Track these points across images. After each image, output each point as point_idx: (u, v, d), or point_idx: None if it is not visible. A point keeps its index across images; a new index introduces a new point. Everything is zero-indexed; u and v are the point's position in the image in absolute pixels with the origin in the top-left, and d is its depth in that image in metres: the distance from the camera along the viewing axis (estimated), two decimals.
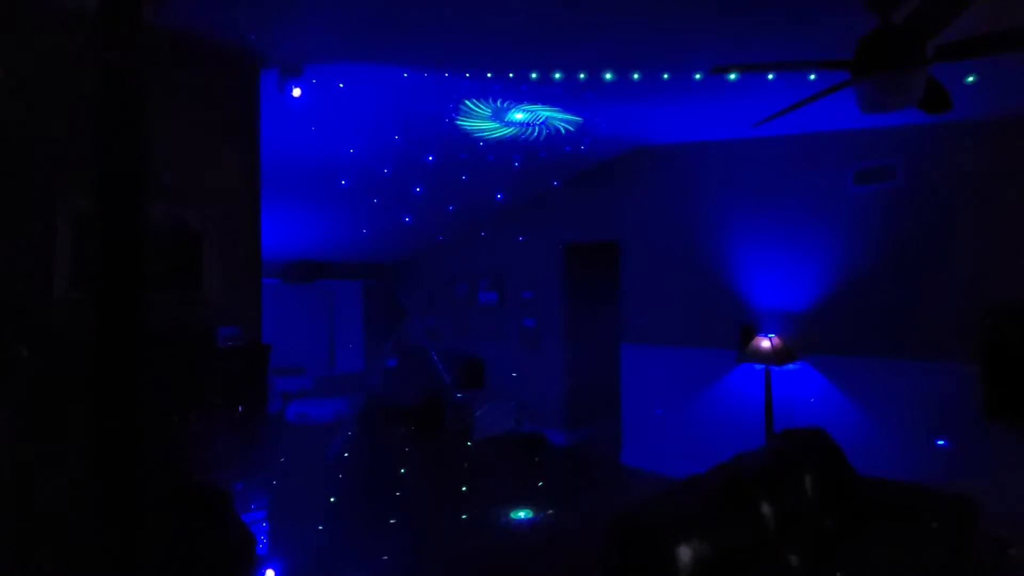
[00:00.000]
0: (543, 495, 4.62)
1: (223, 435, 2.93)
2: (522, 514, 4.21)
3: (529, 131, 4.64)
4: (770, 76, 2.99)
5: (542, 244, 6.51)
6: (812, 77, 2.89)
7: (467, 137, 4.77)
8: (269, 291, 8.63)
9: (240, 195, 3.26)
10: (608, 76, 3.25)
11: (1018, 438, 3.22)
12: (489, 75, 3.65)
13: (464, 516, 4.16)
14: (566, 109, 4.19)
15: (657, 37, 2.80)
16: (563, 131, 4.67)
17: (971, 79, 3.00)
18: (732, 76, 3.17)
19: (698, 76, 3.01)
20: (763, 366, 4.22)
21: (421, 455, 5.87)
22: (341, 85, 3.86)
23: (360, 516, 4.20)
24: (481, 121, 4.41)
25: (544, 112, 4.27)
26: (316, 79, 3.69)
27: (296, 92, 3.56)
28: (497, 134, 4.68)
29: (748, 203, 4.59)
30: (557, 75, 3.27)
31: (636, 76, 3.22)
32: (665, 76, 3.23)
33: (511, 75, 3.57)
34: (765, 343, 4.14)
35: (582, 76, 3.24)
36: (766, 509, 2.49)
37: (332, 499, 4.56)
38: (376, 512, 4.27)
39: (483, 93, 3.97)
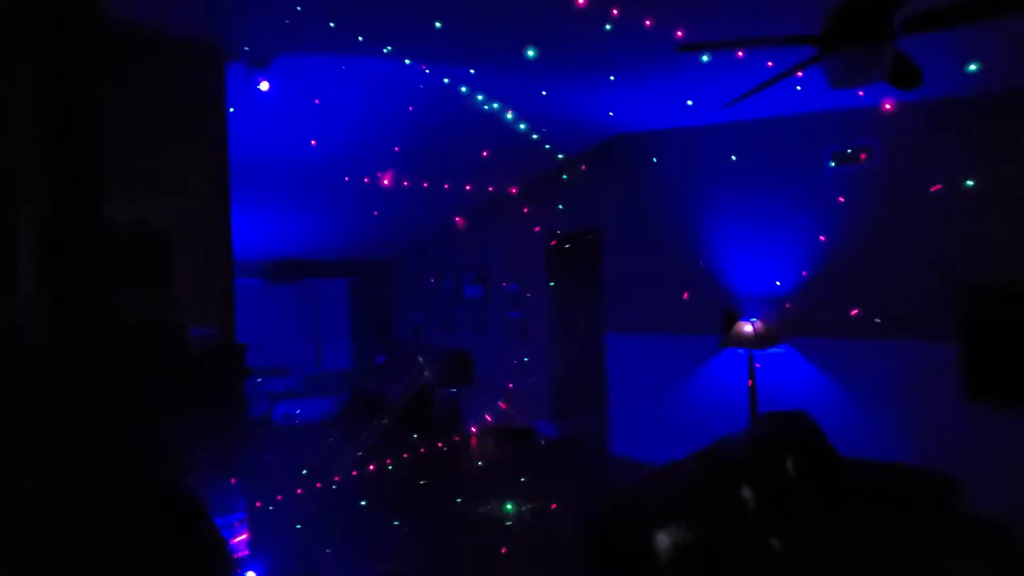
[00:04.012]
0: (531, 487, 4.60)
1: (197, 437, 2.87)
2: (509, 506, 4.18)
3: (506, 121, 4.58)
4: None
5: (525, 236, 6.47)
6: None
7: (447, 129, 4.72)
8: (253, 291, 8.56)
9: (208, 192, 3.19)
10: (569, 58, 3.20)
11: (998, 416, 3.23)
12: (472, 70, 3.60)
13: (451, 510, 4.13)
14: (539, 97, 4.14)
15: (625, 16, 2.75)
16: (528, 124, 4.63)
17: (973, 67, 2.98)
18: (705, 58, 3.14)
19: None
20: (746, 350, 4.21)
21: (408, 451, 5.83)
22: (314, 79, 3.79)
23: (344, 515, 4.15)
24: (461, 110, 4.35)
25: (508, 109, 4.23)
26: (288, 73, 3.62)
27: (264, 86, 3.49)
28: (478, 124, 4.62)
29: (727, 187, 4.57)
30: (530, 52, 3.21)
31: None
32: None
33: (475, 68, 3.52)
34: (747, 327, 4.13)
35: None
36: (747, 493, 2.48)
37: (315, 499, 4.51)
38: (360, 510, 4.23)
39: (459, 83, 3.92)
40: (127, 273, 2.87)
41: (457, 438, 6.30)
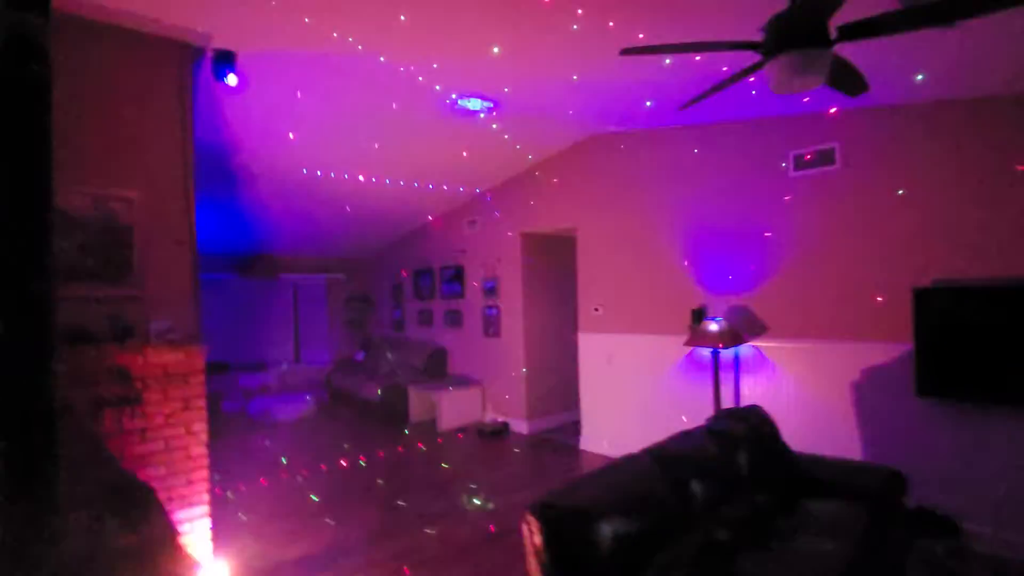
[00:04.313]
0: (501, 483, 4.65)
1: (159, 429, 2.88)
2: (477, 501, 4.22)
3: (483, 117, 4.61)
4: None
5: (501, 235, 6.51)
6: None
7: (423, 127, 4.74)
8: (230, 287, 8.49)
9: (172, 185, 3.18)
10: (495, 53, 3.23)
11: (947, 413, 3.33)
12: (435, 65, 3.63)
13: (414, 505, 4.16)
14: (505, 97, 4.18)
15: (588, 16, 2.80)
16: (500, 124, 4.67)
17: (920, 77, 3.09)
18: (668, 61, 3.20)
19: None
20: (712, 349, 4.29)
21: (381, 447, 5.84)
22: (288, 74, 3.79)
23: (311, 508, 4.16)
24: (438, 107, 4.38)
25: (478, 103, 4.27)
26: (260, 67, 3.62)
27: (232, 80, 3.48)
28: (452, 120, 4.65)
29: (697, 189, 4.64)
30: (496, 49, 3.24)
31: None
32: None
33: (442, 64, 3.55)
34: (712, 326, 4.21)
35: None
36: (696, 486, 2.54)
37: (284, 492, 4.52)
38: (328, 503, 4.25)
39: (430, 81, 3.94)
40: (85, 263, 2.86)
41: (432, 433, 6.32)
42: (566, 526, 1.98)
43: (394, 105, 4.28)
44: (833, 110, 3.68)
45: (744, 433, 3.05)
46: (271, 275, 8.56)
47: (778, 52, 1.91)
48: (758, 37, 2.02)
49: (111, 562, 2.11)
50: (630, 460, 2.53)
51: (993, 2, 1.66)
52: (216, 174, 5.43)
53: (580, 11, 2.83)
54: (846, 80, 2.26)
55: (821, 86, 2.07)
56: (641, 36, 2.95)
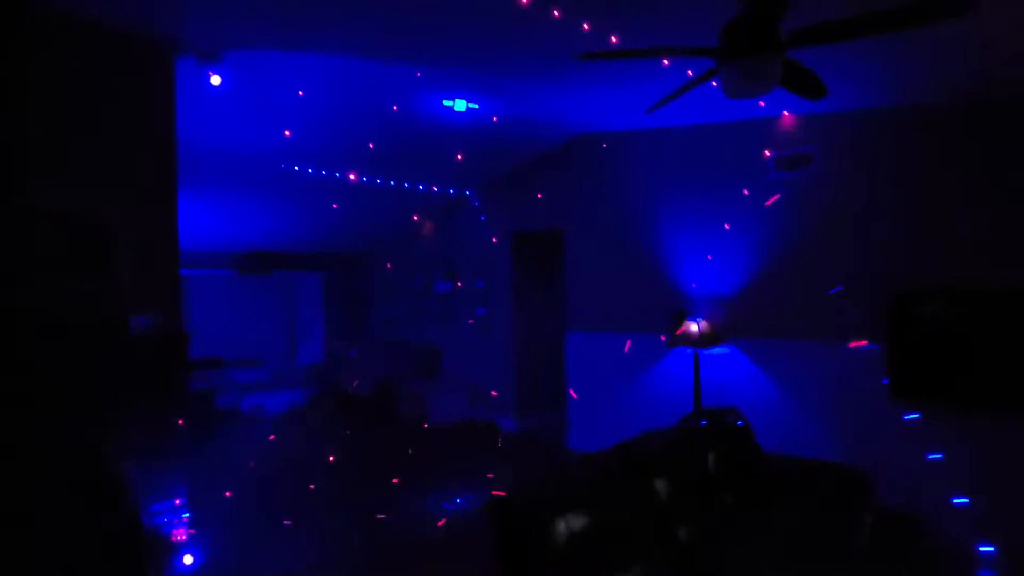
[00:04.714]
0: (486, 480, 4.69)
1: (134, 423, 2.93)
2: (458, 499, 4.28)
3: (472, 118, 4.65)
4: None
5: (492, 234, 6.55)
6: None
7: (412, 127, 4.78)
8: (224, 282, 8.56)
9: (155, 184, 3.24)
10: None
11: (919, 415, 3.35)
12: (417, 72, 3.66)
13: (398, 501, 4.21)
14: (494, 98, 4.22)
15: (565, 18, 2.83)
16: (493, 119, 4.71)
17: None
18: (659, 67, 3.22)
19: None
20: (692, 349, 4.32)
21: (369, 443, 5.90)
22: (275, 73, 3.84)
23: (293, 504, 4.22)
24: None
25: (463, 104, 4.31)
26: (248, 67, 3.67)
27: (215, 80, 3.54)
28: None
29: (680, 190, 4.67)
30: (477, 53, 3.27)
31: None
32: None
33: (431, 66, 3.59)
34: (693, 327, 4.24)
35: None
36: (660, 485, 2.58)
37: (264, 488, 4.58)
38: (310, 500, 4.31)
39: (414, 82, 3.98)
40: (66, 259, 2.91)
41: (419, 430, 6.38)
42: (519, 521, 2.02)
43: (395, 107, 4.32)
44: (812, 113, 3.70)
45: (715, 433, 3.09)
46: (267, 271, 8.63)
47: (730, 58, 1.95)
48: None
49: (75, 552, 2.18)
50: (595, 457, 2.57)
51: (937, 14, 1.68)
52: (211, 171, 5.50)
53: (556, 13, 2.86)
54: (804, 85, 2.29)
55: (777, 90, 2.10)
56: (614, 39, 2.98)
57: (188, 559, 3.09)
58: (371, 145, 5.15)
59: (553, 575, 2.01)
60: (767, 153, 4.06)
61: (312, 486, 4.54)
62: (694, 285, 4.35)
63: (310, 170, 5.67)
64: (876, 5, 1.77)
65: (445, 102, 4.31)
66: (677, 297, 4.68)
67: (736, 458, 3.05)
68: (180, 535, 3.11)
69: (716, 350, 4.34)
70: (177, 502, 3.12)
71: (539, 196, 5.92)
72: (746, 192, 4.19)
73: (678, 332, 4.33)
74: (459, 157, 5.46)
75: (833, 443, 3.70)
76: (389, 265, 8.39)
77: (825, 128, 3.76)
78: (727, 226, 4.18)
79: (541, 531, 2.02)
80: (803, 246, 3.90)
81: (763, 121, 4.06)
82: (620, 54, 1.98)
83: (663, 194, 4.79)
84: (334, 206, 6.57)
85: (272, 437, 6.27)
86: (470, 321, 6.97)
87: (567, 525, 2.07)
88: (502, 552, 2.00)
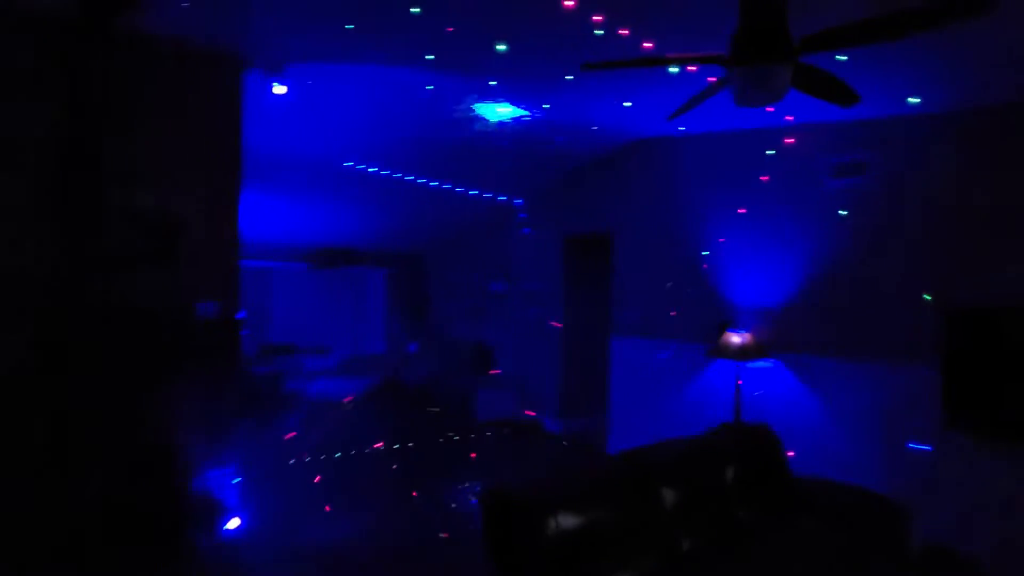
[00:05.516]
0: (519, 475, 4.77)
1: (194, 396, 3.28)
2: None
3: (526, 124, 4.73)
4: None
5: (543, 238, 6.63)
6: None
7: (472, 133, 4.95)
8: (298, 275, 9.19)
9: (222, 187, 3.59)
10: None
11: (974, 449, 3.09)
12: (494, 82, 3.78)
13: (436, 490, 4.39)
14: (553, 104, 4.29)
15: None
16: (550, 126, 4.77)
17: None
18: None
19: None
20: (734, 362, 4.19)
21: (420, 433, 6.15)
22: (339, 84, 4.13)
23: (340, 483, 4.51)
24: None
25: (518, 111, 4.39)
26: (312, 77, 3.98)
27: (279, 89, 3.87)
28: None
29: (732, 196, 4.53)
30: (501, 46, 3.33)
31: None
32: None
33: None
34: (736, 339, 4.11)
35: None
36: (668, 493, 2.55)
37: (315, 465, 4.91)
38: (358, 480, 4.58)
39: (469, 91, 4.12)
40: (146, 253, 3.31)
41: (468, 425, 6.56)
42: (507, 515, 2.09)
43: (451, 114, 4.50)
44: (869, 119, 3.48)
45: (739, 447, 3.00)
46: (335, 266, 9.18)
47: (740, 66, 1.92)
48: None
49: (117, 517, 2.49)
50: (601, 460, 2.60)
51: (950, 17, 1.60)
52: (283, 173, 5.96)
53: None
54: (830, 91, 2.20)
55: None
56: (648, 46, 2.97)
57: (235, 522, 3.41)
58: (428, 150, 5.38)
59: (542, 570, 2.07)
60: (824, 159, 3.86)
61: (360, 469, 4.82)
62: (759, 287, 4.19)
63: (372, 170, 5.99)
64: (890, 8, 1.69)
65: (478, 109, 4.39)
66: (722, 307, 4.55)
67: (758, 476, 2.95)
68: (229, 500, 3.43)
69: (759, 364, 4.18)
70: (229, 469, 3.45)
71: (590, 200, 5.92)
72: (800, 199, 4.01)
73: (720, 343, 4.21)
74: (508, 163, 5.58)
75: (877, 470, 3.46)
76: (456, 272, 8.64)
77: (882, 134, 3.53)
78: (779, 233, 4.00)
79: (531, 527, 2.08)
80: (856, 259, 3.68)
81: (820, 125, 3.87)
82: (627, 64, 2.00)
83: (715, 200, 4.66)
84: (404, 207, 6.85)
85: (331, 420, 6.69)
86: (522, 321, 7.08)
87: (557, 523, 2.12)
88: (491, 545, 2.09)
